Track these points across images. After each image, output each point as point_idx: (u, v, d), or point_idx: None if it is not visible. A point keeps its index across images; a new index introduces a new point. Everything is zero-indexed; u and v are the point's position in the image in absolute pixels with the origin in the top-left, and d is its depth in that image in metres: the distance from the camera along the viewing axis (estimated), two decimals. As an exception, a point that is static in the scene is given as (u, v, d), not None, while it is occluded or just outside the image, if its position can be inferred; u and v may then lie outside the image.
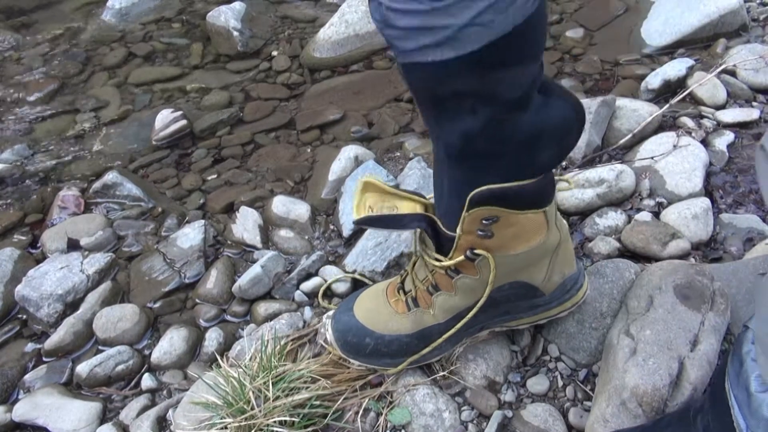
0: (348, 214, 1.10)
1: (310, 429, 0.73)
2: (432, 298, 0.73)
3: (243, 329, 0.98)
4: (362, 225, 0.66)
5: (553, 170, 0.69)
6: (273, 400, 0.73)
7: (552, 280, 0.74)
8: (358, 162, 1.22)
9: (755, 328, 0.57)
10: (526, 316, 0.77)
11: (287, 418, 0.71)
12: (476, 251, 0.67)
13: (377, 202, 0.68)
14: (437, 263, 0.70)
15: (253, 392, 0.73)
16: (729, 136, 1.14)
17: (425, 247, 0.73)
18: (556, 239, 0.71)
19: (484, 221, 0.64)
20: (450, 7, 0.48)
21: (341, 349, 0.79)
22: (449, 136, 0.60)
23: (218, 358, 0.84)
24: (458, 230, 0.65)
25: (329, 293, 0.99)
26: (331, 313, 0.90)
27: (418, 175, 1.12)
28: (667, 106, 1.22)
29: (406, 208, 0.69)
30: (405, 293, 0.77)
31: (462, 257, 0.67)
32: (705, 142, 1.13)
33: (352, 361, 0.79)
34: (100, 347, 0.98)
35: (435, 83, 0.54)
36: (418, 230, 0.73)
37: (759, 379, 0.53)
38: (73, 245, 1.14)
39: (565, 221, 0.75)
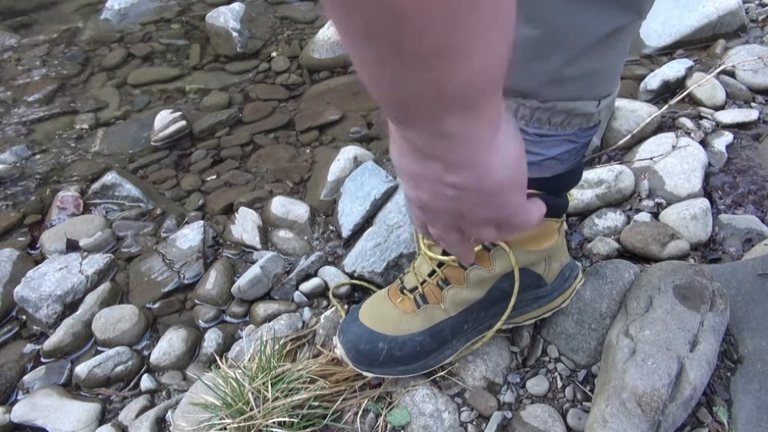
0: (347, 214, 1.10)
1: (309, 430, 0.73)
2: (442, 293, 0.74)
3: (242, 330, 0.98)
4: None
5: None
6: (272, 401, 0.73)
7: (552, 267, 0.77)
8: (357, 163, 1.22)
9: None
10: (531, 309, 0.78)
11: (286, 419, 0.71)
12: (495, 242, 0.69)
13: None
14: (450, 256, 0.72)
15: (252, 393, 0.73)
16: (728, 137, 1.14)
17: (429, 242, 0.73)
18: (558, 242, 0.75)
19: None
20: (548, 142, 0.60)
21: (353, 362, 0.75)
22: None
23: (217, 358, 0.84)
24: None
25: (336, 294, 0.99)
26: (328, 313, 0.90)
27: (417, 175, 1.12)
28: (666, 106, 1.22)
29: None
30: (410, 291, 0.76)
31: (479, 247, 0.70)
32: (704, 143, 1.13)
33: (366, 374, 0.76)
34: (99, 348, 0.98)
35: None
36: None
37: None
38: (72, 246, 1.14)
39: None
